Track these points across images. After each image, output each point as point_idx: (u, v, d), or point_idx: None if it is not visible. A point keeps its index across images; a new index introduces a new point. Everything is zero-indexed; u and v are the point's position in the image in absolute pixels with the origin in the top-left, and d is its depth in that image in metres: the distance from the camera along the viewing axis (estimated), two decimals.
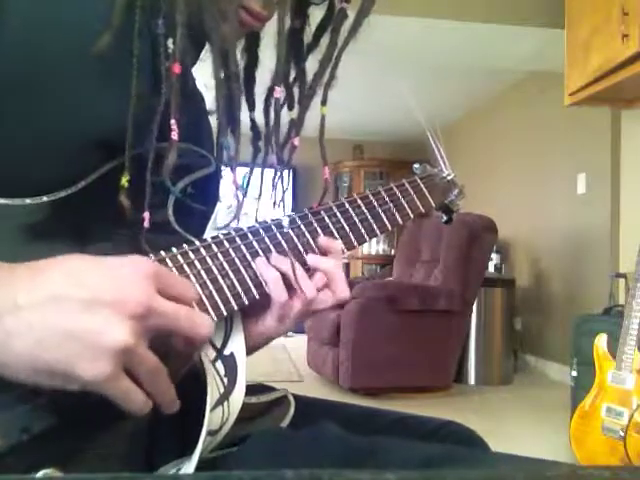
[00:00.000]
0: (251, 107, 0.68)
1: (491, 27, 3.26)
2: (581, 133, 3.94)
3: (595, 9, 2.62)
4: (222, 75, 0.57)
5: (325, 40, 0.64)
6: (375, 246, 6.74)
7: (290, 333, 4.66)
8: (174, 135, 0.54)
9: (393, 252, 5.92)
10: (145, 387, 0.46)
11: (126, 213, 0.53)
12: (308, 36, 0.67)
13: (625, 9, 2.37)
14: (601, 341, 2.29)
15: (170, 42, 0.54)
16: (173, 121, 0.54)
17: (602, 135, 3.66)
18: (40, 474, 0.43)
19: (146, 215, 0.54)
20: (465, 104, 5.55)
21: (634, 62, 2.42)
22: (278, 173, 0.66)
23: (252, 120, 0.68)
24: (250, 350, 0.63)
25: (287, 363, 4.40)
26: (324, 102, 0.64)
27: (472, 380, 4.02)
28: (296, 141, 0.64)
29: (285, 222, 0.63)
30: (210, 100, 0.61)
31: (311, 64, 0.66)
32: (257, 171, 0.65)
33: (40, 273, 0.44)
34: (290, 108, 0.65)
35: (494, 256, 4.38)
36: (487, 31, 3.31)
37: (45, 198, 0.50)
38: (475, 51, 3.64)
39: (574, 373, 2.63)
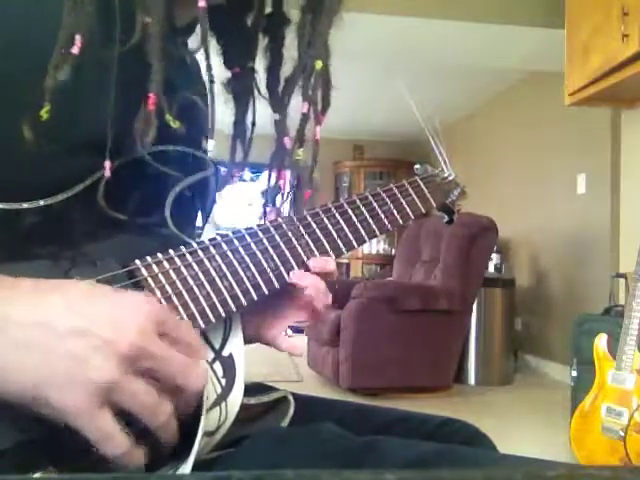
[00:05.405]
0: (276, 109, 0.67)
1: (491, 27, 3.26)
2: (581, 133, 3.94)
3: (595, 9, 2.62)
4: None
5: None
6: (375, 246, 6.73)
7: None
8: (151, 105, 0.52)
9: (393, 252, 5.92)
10: (146, 422, 0.45)
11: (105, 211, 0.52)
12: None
13: (625, 9, 2.37)
14: (601, 341, 2.29)
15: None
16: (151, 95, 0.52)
17: (602, 135, 3.66)
18: (37, 475, 0.43)
19: (107, 164, 0.52)
20: (465, 104, 5.55)
21: (634, 62, 2.43)
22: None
23: (276, 122, 0.66)
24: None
25: (287, 363, 4.40)
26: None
27: (472, 380, 4.01)
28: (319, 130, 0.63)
29: (282, 224, 0.63)
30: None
31: None
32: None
33: (41, 296, 0.43)
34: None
35: (494, 256, 4.37)
36: (487, 31, 3.30)
37: (42, 202, 0.49)
38: (475, 51, 3.64)
39: (574, 373, 2.63)
